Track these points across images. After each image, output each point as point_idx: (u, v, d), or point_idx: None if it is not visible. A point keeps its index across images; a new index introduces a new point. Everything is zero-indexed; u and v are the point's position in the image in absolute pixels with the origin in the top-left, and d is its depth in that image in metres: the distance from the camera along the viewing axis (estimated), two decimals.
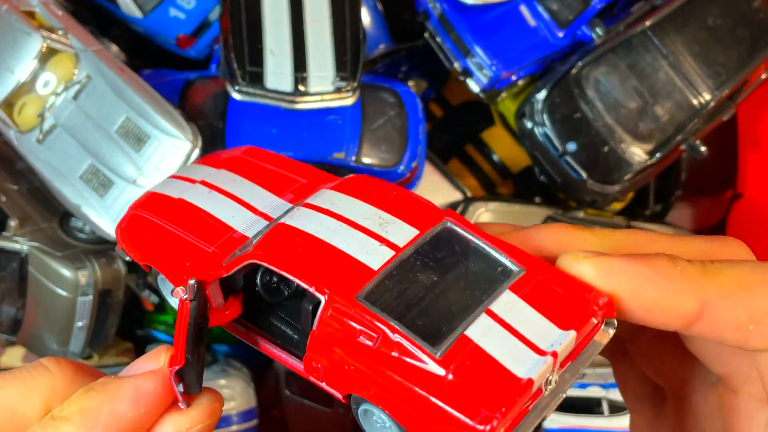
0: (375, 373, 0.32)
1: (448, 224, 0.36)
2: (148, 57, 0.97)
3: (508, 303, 0.33)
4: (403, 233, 0.35)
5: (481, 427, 0.29)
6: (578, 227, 0.35)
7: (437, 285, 0.34)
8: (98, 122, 0.76)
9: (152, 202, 0.43)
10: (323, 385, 0.35)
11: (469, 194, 0.98)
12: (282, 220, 0.37)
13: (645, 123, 0.85)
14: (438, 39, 0.92)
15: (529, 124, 0.88)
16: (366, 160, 0.87)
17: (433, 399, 0.31)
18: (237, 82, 0.83)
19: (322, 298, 0.34)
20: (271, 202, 0.41)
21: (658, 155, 0.85)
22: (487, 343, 0.32)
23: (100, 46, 0.79)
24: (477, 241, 0.35)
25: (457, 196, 0.98)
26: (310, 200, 0.38)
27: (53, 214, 0.84)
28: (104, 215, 0.77)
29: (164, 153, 0.77)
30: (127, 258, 0.43)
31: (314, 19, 0.85)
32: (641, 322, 0.31)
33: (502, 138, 1.03)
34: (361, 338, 0.33)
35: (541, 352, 0.31)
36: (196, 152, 0.79)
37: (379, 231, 0.35)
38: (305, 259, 0.35)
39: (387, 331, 0.32)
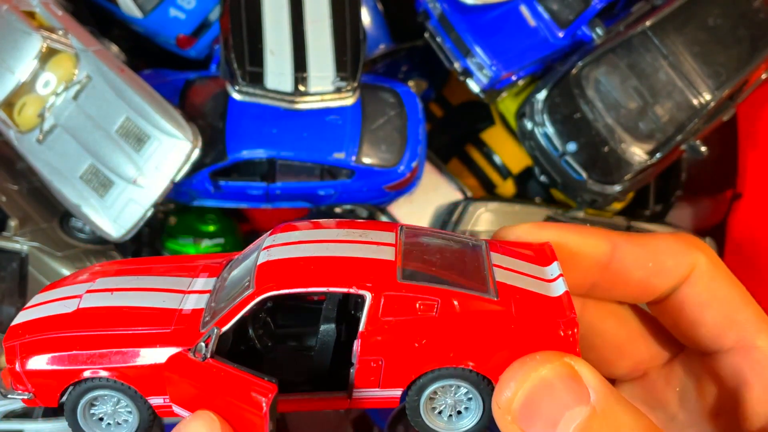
0: (453, 335, 0.35)
1: (405, 227, 0.40)
2: (148, 57, 0.97)
3: (499, 259, 0.39)
4: (384, 236, 0.38)
5: (570, 331, 0.35)
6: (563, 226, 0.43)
7: (444, 260, 0.38)
8: (98, 122, 0.76)
9: (37, 327, 0.39)
10: (375, 393, 0.37)
11: (469, 194, 0.98)
12: (261, 261, 0.37)
13: (645, 123, 0.85)
14: (438, 39, 0.92)
15: (529, 125, 0.88)
16: (366, 160, 0.87)
17: (513, 335, 0.35)
18: (237, 82, 0.83)
19: (367, 294, 0.35)
20: (190, 282, 0.40)
21: (658, 155, 0.85)
22: (515, 282, 0.37)
23: (100, 46, 0.79)
24: (438, 232, 0.41)
25: (457, 196, 0.98)
26: (270, 243, 0.39)
27: (53, 214, 0.84)
28: (104, 215, 0.77)
29: (164, 153, 0.77)
30: (28, 396, 0.38)
31: (314, 19, 0.85)
32: (572, 266, 0.40)
33: (502, 138, 1.03)
34: (422, 310, 0.36)
35: (551, 280, 0.38)
36: (196, 152, 0.79)
37: (365, 239, 0.38)
38: (320, 274, 0.36)
39: (444, 294, 0.36)
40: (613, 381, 0.47)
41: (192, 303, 0.39)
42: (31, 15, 0.77)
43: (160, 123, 0.76)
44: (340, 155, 0.86)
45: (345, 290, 0.36)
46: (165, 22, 0.89)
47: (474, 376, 0.36)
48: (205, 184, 0.85)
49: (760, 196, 0.96)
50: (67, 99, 0.76)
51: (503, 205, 0.93)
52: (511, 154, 1.02)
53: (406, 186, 0.92)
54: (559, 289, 0.37)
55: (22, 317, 0.41)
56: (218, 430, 0.35)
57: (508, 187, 1.03)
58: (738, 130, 0.99)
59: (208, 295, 0.40)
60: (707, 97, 0.85)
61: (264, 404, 0.34)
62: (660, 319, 0.44)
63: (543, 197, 1.01)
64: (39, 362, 0.38)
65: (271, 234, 0.40)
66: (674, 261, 0.40)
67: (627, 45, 0.86)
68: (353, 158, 0.87)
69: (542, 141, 0.88)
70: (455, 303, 0.36)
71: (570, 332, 0.35)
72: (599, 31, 0.88)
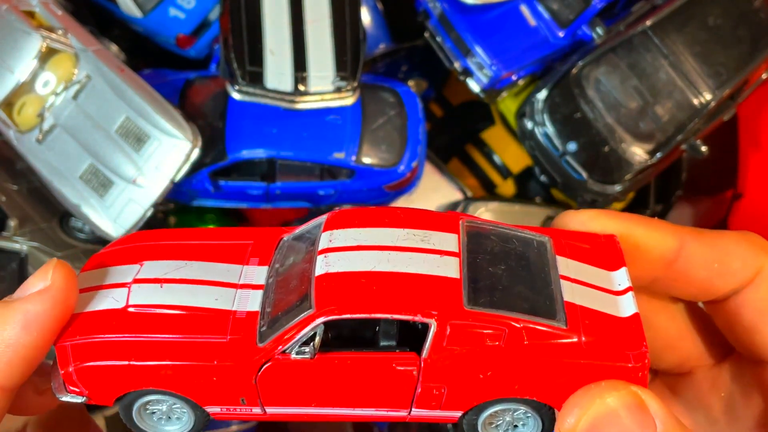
0: (519, 368, 0.34)
1: (467, 222, 0.38)
2: (148, 57, 0.97)
3: (566, 266, 0.37)
4: (446, 240, 0.37)
5: (639, 364, 0.33)
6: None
7: (509, 271, 0.36)
8: (98, 122, 0.76)
9: (88, 324, 0.37)
10: (434, 414, 0.36)
11: (469, 194, 0.98)
12: (320, 272, 0.36)
13: (645, 123, 0.85)
14: (438, 39, 0.92)
15: (529, 124, 0.88)
16: (366, 160, 0.87)
17: (581, 365, 0.34)
18: (237, 82, 0.82)
19: (432, 322, 0.34)
20: (241, 272, 0.38)
21: (658, 155, 0.85)
22: (583, 301, 0.35)
23: (100, 45, 0.79)
24: (499, 228, 0.38)
25: (457, 196, 0.98)
26: (327, 245, 0.37)
27: (53, 214, 0.84)
28: (104, 215, 0.77)
29: (164, 153, 0.77)
30: (82, 399, 0.37)
31: (314, 18, 0.85)
32: (635, 260, 0.38)
33: (502, 138, 1.03)
34: (488, 341, 0.34)
35: (620, 293, 0.36)
36: (196, 152, 0.79)
37: (428, 246, 0.36)
38: (384, 298, 0.34)
39: (511, 323, 0.34)
40: (656, 373, 0.47)
41: (246, 303, 0.37)
42: (30, 15, 0.77)
43: (160, 123, 0.76)
44: (340, 155, 0.86)
45: (410, 318, 0.34)
46: (165, 21, 0.89)
47: (536, 403, 0.35)
48: (205, 184, 0.85)
49: (761, 196, 0.95)
50: (67, 99, 0.75)
51: (503, 205, 0.93)
52: (511, 154, 1.02)
53: (406, 186, 0.92)
54: (628, 307, 0.35)
55: (84, 302, 0.39)
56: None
57: (508, 187, 1.03)
58: (738, 129, 0.98)
59: (261, 292, 0.38)
60: (708, 96, 0.85)
61: (415, 372, 0.35)
62: (715, 319, 0.43)
63: (543, 197, 1.01)
64: (93, 371, 0.37)
65: (327, 225, 0.38)
66: (741, 263, 0.39)
67: (627, 45, 0.86)
68: (353, 158, 0.87)
69: (542, 141, 0.87)
70: (524, 334, 0.34)
71: (639, 364, 0.34)
72: (599, 30, 0.88)
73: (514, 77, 0.90)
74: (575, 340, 0.34)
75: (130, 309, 0.37)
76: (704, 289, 0.40)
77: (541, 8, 0.89)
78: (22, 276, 0.81)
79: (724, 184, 1.00)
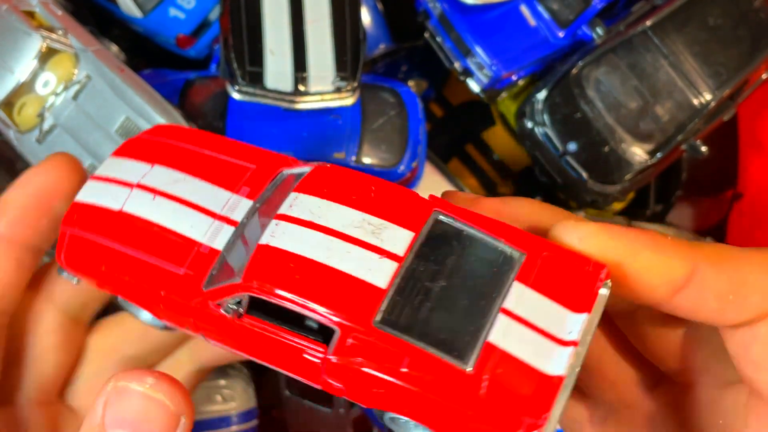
0: (407, 396, 0.31)
1: (439, 217, 0.34)
2: (148, 57, 0.97)
3: (519, 296, 0.32)
4: (398, 239, 0.33)
5: None
6: (554, 207, 0.36)
7: (447, 290, 0.32)
8: (98, 122, 0.75)
9: (87, 217, 0.38)
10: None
11: None
12: (264, 241, 0.34)
13: (645, 123, 0.85)
14: (438, 39, 0.92)
15: (529, 124, 0.88)
16: (366, 160, 0.87)
17: (472, 415, 0.30)
18: (237, 82, 0.82)
19: (337, 330, 0.32)
20: (227, 201, 0.37)
21: (658, 155, 0.85)
22: (510, 345, 0.31)
23: (100, 45, 0.79)
24: (472, 231, 0.33)
25: None
26: (286, 211, 0.35)
27: None
28: None
29: None
30: (75, 281, 0.39)
31: (314, 19, 0.85)
32: (634, 287, 0.32)
33: (502, 138, 1.03)
34: (386, 363, 0.31)
35: (564, 343, 0.31)
36: None
37: (374, 240, 0.33)
38: (306, 287, 0.32)
39: (413, 354, 0.31)
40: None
41: (215, 238, 0.36)
42: (30, 15, 0.77)
43: (160, 123, 0.76)
44: (340, 155, 0.86)
45: (319, 320, 0.32)
46: (165, 21, 0.89)
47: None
48: None
49: (761, 196, 0.96)
50: (67, 99, 0.75)
51: None
52: (511, 154, 1.02)
53: (406, 186, 0.92)
54: (558, 365, 0.30)
55: (85, 191, 0.39)
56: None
57: (508, 187, 1.03)
58: (738, 130, 0.98)
59: (233, 230, 0.36)
60: (708, 96, 0.85)
61: (319, 365, 0.33)
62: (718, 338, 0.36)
63: (543, 197, 1.01)
64: (79, 264, 0.38)
65: (301, 184, 0.35)
66: (761, 297, 0.32)
67: (627, 45, 0.86)
68: (353, 158, 0.87)
69: (542, 141, 0.87)
70: (423, 365, 0.31)
71: None
72: (599, 30, 0.88)
73: (514, 77, 0.90)
74: (474, 386, 0.30)
75: (123, 213, 0.37)
76: (712, 319, 0.34)
77: (541, 8, 0.89)
78: None
79: (724, 184, 1.00)
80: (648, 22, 0.86)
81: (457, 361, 0.31)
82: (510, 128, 0.99)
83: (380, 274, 0.32)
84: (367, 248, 0.33)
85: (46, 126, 0.76)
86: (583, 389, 0.42)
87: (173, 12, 0.89)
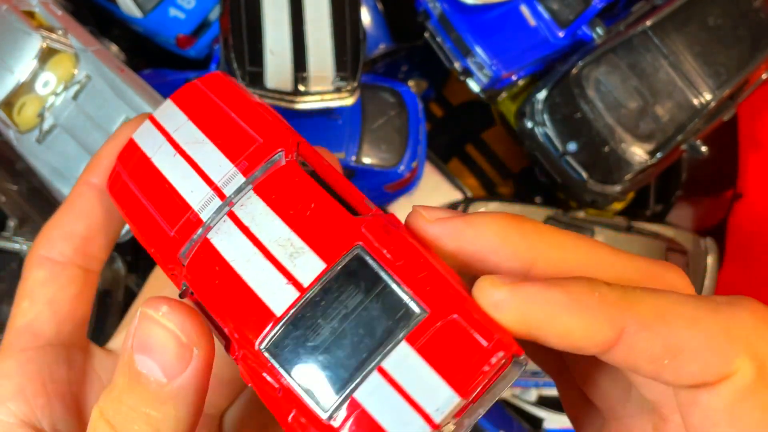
0: (279, 419, 0.31)
1: (359, 253, 0.31)
2: (148, 57, 0.97)
3: (401, 358, 0.30)
4: (310, 268, 0.31)
5: None
6: (522, 219, 0.32)
7: (337, 333, 0.31)
8: (98, 122, 0.75)
9: (131, 156, 0.39)
10: None
11: (469, 194, 0.98)
12: (209, 236, 0.34)
13: (645, 123, 0.85)
14: (438, 39, 0.92)
15: (529, 124, 0.88)
16: (366, 160, 0.87)
17: None
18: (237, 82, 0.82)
19: (234, 342, 0.32)
20: (225, 172, 0.36)
21: (658, 155, 0.85)
22: (374, 407, 0.29)
23: (100, 45, 0.79)
24: (384, 276, 0.31)
25: (457, 196, 0.98)
26: (237, 210, 0.34)
27: (53, 215, 0.84)
28: None
29: None
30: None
31: (314, 18, 0.85)
32: (557, 347, 0.30)
33: (502, 138, 1.03)
34: (269, 384, 0.31)
35: (429, 421, 0.29)
36: None
37: (288, 264, 0.32)
38: (219, 294, 0.33)
39: (284, 386, 0.31)
40: None
41: (204, 208, 0.36)
42: (30, 15, 0.77)
43: None
44: (340, 155, 0.86)
45: (221, 329, 0.33)
46: (165, 21, 0.89)
47: None
48: None
49: (761, 196, 0.96)
50: (67, 99, 0.75)
51: (503, 205, 0.93)
52: (511, 154, 1.02)
53: (405, 186, 0.92)
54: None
55: (140, 131, 0.40)
56: None
57: (508, 187, 1.03)
58: (738, 130, 0.98)
59: (219, 204, 0.35)
60: (708, 96, 0.85)
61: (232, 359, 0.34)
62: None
63: (543, 197, 1.01)
64: (114, 193, 0.39)
65: (261, 185, 0.34)
66: (701, 367, 0.28)
67: (627, 45, 0.86)
68: (353, 158, 0.87)
69: (542, 141, 0.87)
70: (293, 399, 0.31)
71: None
72: (599, 30, 0.88)
73: (514, 77, 0.90)
74: None
75: (151, 163, 0.38)
76: (649, 377, 0.30)
77: (541, 8, 0.89)
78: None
79: (724, 184, 1.00)
80: (648, 22, 0.86)
81: (317, 407, 0.30)
82: (510, 128, 0.99)
83: (280, 300, 0.31)
84: (279, 270, 0.32)
85: (46, 126, 0.76)
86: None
87: (173, 12, 0.89)
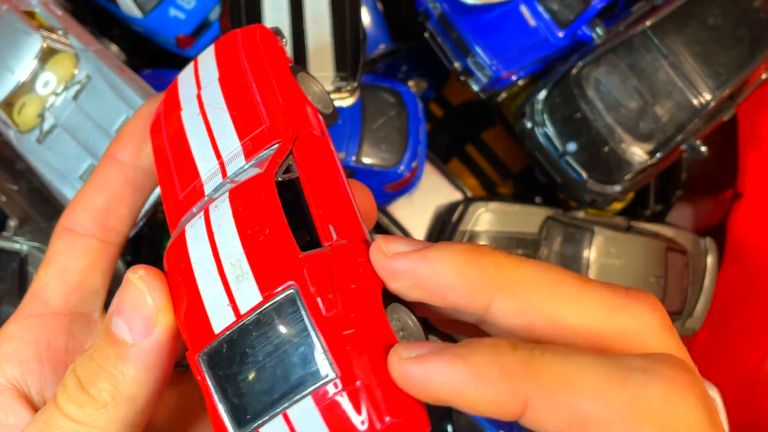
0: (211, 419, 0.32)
1: (293, 295, 0.31)
2: (148, 57, 0.97)
3: (305, 411, 0.29)
4: (249, 296, 0.31)
5: None
6: (481, 253, 0.31)
7: (259, 367, 0.31)
8: (98, 122, 0.76)
9: (169, 101, 0.39)
10: None
11: (469, 194, 0.98)
12: (187, 228, 0.34)
13: (645, 123, 0.85)
14: (438, 39, 0.92)
15: (529, 124, 0.88)
16: (366, 160, 0.87)
17: None
18: None
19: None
20: (232, 150, 0.36)
21: (658, 155, 0.85)
22: None
23: (100, 46, 0.79)
24: (308, 327, 0.30)
25: (457, 196, 0.98)
26: (211, 210, 0.34)
27: (53, 215, 0.84)
28: None
29: None
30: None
31: (314, 19, 0.85)
32: (471, 414, 0.30)
33: (502, 138, 1.03)
34: (203, 393, 0.32)
35: None
36: None
37: (233, 286, 0.32)
38: (179, 292, 0.34)
39: (210, 397, 0.32)
40: None
41: (209, 180, 0.36)
42: (31, 15, 0.77)
43: None
44: (340, 155, 0.86)
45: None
46: (165, 21, 0.89)
47: None
48: None
49: (761, 196, 0.96)
50: (67, 99, 0.75)
51: (503, 205, 0.93)
52: (511, 154, 1.03)
53: (405, 186, 0.92)
54: None
55: (183, 74, 0.40)
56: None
57: (508, 187, 1.03)
58: (738, 130, 0.99)
59: (220, 181, 0.35)
60: (707, 97, 0.85)
61: None
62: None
63: (543, 197, 1.01)
64: (153, 135, 0.40)
65: (236, 192, 0.34)
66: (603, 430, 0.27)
67: (627, 45, 0.86)
68: (353, 158, 0.87)
69: (542, 141, 0.87)
70: (213, 410, 0.32)
71: None
72: (599, 31, 0.88)
73: (514, 77, 0.90)
74: None
75: (179, 115, 0.38)
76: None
77: (540, 8, 0.89)
78: (22, 276, 0.81)
79: (724, 184, 1.01)
80: (648, 22, 0.86)
81: (230, 428, 0.31)
82: (510, 128, 0.99)
83: (220, 320, 0.32)
84: (225, 290, 0.32)
85: (46, 126, 0.76)
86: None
87: (173, 12, 0.89)
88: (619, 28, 0.89)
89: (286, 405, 0.30)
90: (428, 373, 0.28)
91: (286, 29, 0.85)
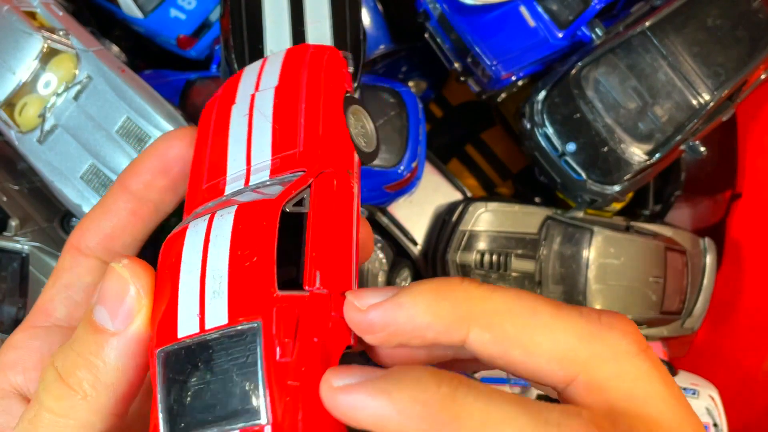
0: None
1: (255, 330, 0.31)
2: (148, 57, 0.97)
3: None
4: (216, 315, 0.31)
5: None
6: (452, 287, 0.31)
7: (205, 384, 0.31)
8: (99, 122, 0.76)
9: (226, 91, 0.40)
10: None
11: (469, 194, 0.98)
12: (190, 224, 0.35)
13: (644, 123, 0.86)
14: (438, 39, 0.92)
15: (528, 125, 0.88)
16: None
17: None
18: None
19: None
20: (262, 161, 0.36)
21: (657, 155, 0.85)
22: None
23: (101, 46, 0.79)
24: (258, 367, 0.30)
25: (457, 196, 0.98)
26: (217, 216, 0.34)
27: (54, 214, 0.84)
28: None
29: None
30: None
31: (314, 19, 0.85)
32: None
33: (502, 138, 1.03)
34: (153, 384, 0.32)
35: None
36: None
37: (208, 299, 0.32)
38: (161, 283, 0.34)
39: (155, 398, 0.32)
40: None
41: (232, 182, 0.36)
42: (32, 15, 0.78)
43: (160, 123, 0.76)
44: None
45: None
46: (165, 22, 0.89)
47: None
48: None
49: (760, 196, 0.96)
50: (68, 99, 0.76)
51: (503, 205, 0.94)
52: (510, 154, 1.03)
53: (405, 186, 0.92)
54: None
55: (248, 69, 0.41)
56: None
57: (507, 187, 1.03)
58: (737, 130, 0.99)
59: (240, 186, 0.36)
60: (706, 97, 0.86)
61: None
62: None
63: (542, 197, 1.01)
64: (201, 118, 0.42)
65: (241, 212, 0.34)
66: None
67: (626, 45, 0.86)
68: None
69: (542, 141, 0.88)
70: (154, 413, 0.32)
71: None
72: (599, 31, 0.88)
73: (513, 77, 0.91)
74: None
75: (228, 111, 0.39)
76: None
77: (540, 9, 0.89)
78: (23, 276, 0.81)
79: (723, 184, 1.01)
80: (647, 23, 0.86)
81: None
82: (509, 128, 0.99)
83: (185, 326, 0.32)
84: (199, 300, 0.32)
85: (47, 126, 0.76)
86: None
87: (174, 13, 0.89)
88: (619, 29, 0.89)
89: (216, 430, 0.30)
90: (354, 404, 0.28)
91: (286, 29, 0.85)
